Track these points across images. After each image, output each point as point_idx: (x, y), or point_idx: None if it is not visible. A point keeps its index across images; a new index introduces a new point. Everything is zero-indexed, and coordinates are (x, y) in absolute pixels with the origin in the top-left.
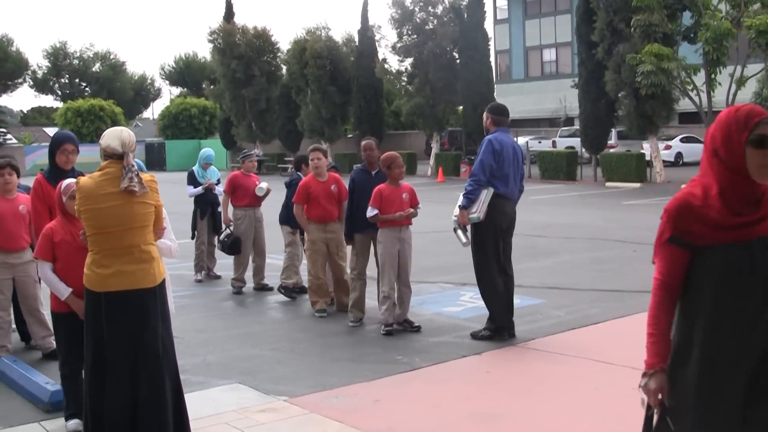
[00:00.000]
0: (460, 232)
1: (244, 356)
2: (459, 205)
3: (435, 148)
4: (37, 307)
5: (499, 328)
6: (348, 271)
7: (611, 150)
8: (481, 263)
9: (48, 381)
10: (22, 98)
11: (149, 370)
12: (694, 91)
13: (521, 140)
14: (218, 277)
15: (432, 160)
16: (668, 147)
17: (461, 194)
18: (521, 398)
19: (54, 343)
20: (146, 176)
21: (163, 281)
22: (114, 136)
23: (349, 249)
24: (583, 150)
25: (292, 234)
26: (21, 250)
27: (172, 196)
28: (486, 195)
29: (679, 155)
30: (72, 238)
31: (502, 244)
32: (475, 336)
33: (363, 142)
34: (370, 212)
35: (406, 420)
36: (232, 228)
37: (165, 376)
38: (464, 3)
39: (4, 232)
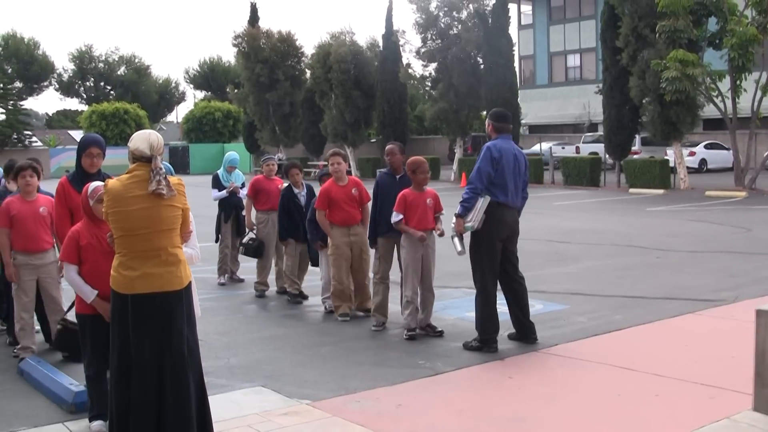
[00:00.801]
0: (456, 240)
1: (267, 359)
2: (455, 213)
3: (458, 153)
4: (60, 308)
5: (486, 340)
6: (371, 275)
7: (635, 156)
8: (476, 272)
9: (72, 382)
10: (48, 101)
11: (174, 372)
12: (719, 98)
13: (545, 146)
14: (241, 281)
15: (455, 165)
16: (692, 153)
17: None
18: (544, 404)
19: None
20: (174, 179)
21: (189, 284)
22: (143, 139)
23: (372, 253)
24: (607, 156)
25: (286, 246)
26: (43, 251)
27: (196, 199)
28: (482, 203)
29: (703, 162)
30: (97, 242)
31: (503, 252)
32: (465, 346)
33: (387, 147)
34: (395, 217)
35: (429, 425)
36: (255, 232)
37: (190, 378)
38: (489, 8)
39: (25, 234)
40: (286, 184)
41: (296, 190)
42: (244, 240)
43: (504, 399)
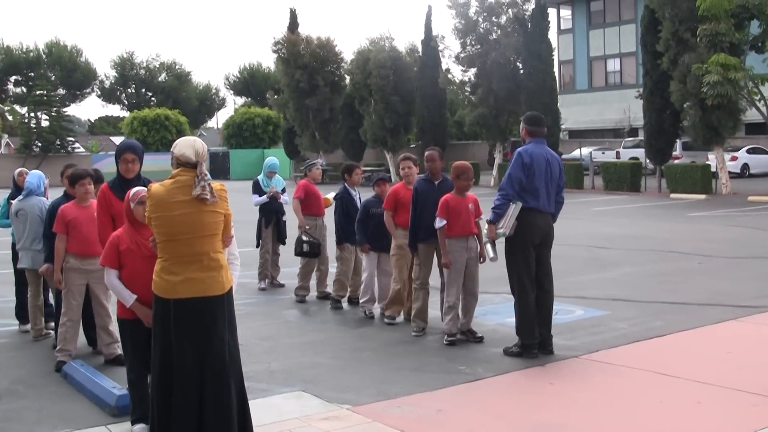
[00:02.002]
0: (489, 246)
1: (308, 364)
2: (486, 220)
3: (498, 158)
4: (107, 313)
5: (526, 346)
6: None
7: (676, 161)
8: (512, 278)
9: (115, 385)
10: (90, 107)
11: (215, 377)
12: (762, 102)
13: (584, 151)
14: (282, 286)
15: (495, 171)
16: (734, 158)
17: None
18: (585, 411)
19: (118, 350)
20: (216, 185)
21: (231, 289)
22: (188, 145)
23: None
24: (648, 161)
25: (342, 250)
26: (96, 256)
27: (236, 204)
28: (514, 209)
29: (745, 166)
30: (137, 247)
31: (536, 258)
32: (506, 352)
33: (426, 153)
34: (439, 223)
35: (469, 430)
36: (309, 231)
37: (231, 383)
38: (528, 13)
39: (80, 238)
40: (340, 187)
41: (353, 192)
42: (304, 238)
43: (544, 405)
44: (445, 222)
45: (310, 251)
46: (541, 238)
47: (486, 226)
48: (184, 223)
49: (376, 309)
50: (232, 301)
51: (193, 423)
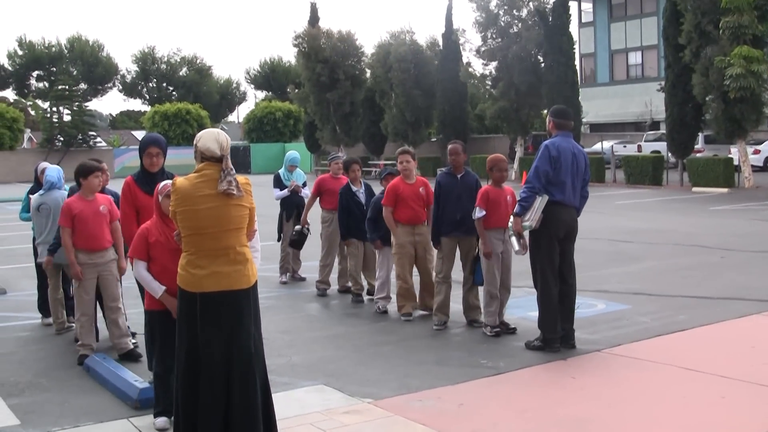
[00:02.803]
0: (513, 239)
1: (329, 358)
2: (513, 212)
3: (519, 152)
4: (118, 306)
5: (548, 340)
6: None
7: (698, 154)
8: (535, 271)
9: (137, 378)
10: (112, 102)
11: (242, 371)
12: None
13: (606, 144)
14: (303, 279)
15: (516, 164)
16: (757, 151)
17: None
18: (607, 405)
19: (129, 344)
20: (241, 179)
21: (256, 282)
22: (212, 138)
23: (434, 253)
24: (670, 154)
25: (348, 245)
26: (104, 250)
27: (257, 198)
28: (540, 202)
29: None
30: (166, 239)
31: (560, 252)
32: (528, 346)
33: (450, 146)
34: (478, 213)
35: (491, 424)
36: (306, 230)
37: (256, 377)
38: (549, 6)
39: (87, 233)
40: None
41: (354, 188)
42: (296, 228)
43: (566, 399)
44: (484, 212)
45: (295, 242)
46: (565, 231)
47: (511, 219)
48: (210, 217)
49: (393, 304)
50: (257, 294)
51: (219, 416)
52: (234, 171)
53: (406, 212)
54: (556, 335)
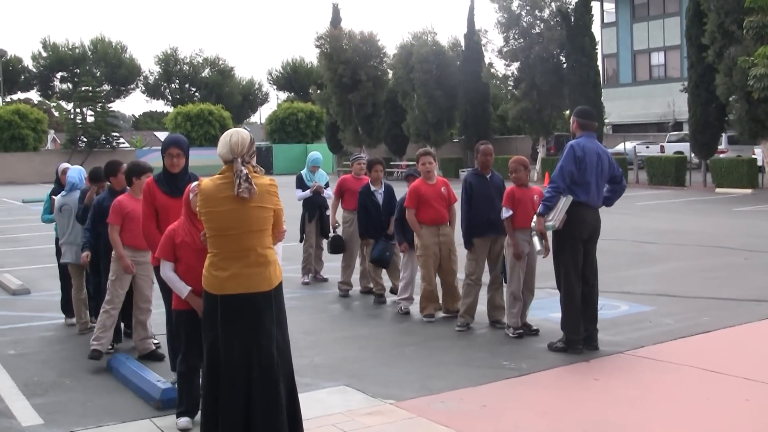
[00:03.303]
0: (536, 239)
1: (351, 359)
2: (536, 212)
3: (541, 152)
4: (149, 308)
5: (571, 341)
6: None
7: (721, 155)
8: (559, 273)
9: (159, 379)
10: (135, 103)
11: (263, 374)
12: None
13: (629, 145)
14: (325, 280)
15: (538, 165)
16: None
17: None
18: (631, 407)
19: (152, 345)
20: (266, 180)
21: (280, 284)
22: (223, 143)
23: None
24: (693, 155)
25: (367, 245)
26: (146, 249)
27: (281, 199)
28: (564, 203)
29: None
30: (192, 240)
31: (583, 252)
32: (550, 347)
33: (482, 146)
34: (505, 213)
35: (514, 426)
36: (335, 231)
37: (279, 380)
38: (571, 6)
39: (136, 231)
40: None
41: (374, 188)
42: (329, 237)
43: (589, 401)
44: (511, 212)
45: (335, 248)
46: (589, 233)
47: (534, 218)
48: (231, 218)
49: (415, 306)
50: (281, 296)
51: (240, 418)
52: (245, 173)
53: (429, 213)
54: (579, 336)
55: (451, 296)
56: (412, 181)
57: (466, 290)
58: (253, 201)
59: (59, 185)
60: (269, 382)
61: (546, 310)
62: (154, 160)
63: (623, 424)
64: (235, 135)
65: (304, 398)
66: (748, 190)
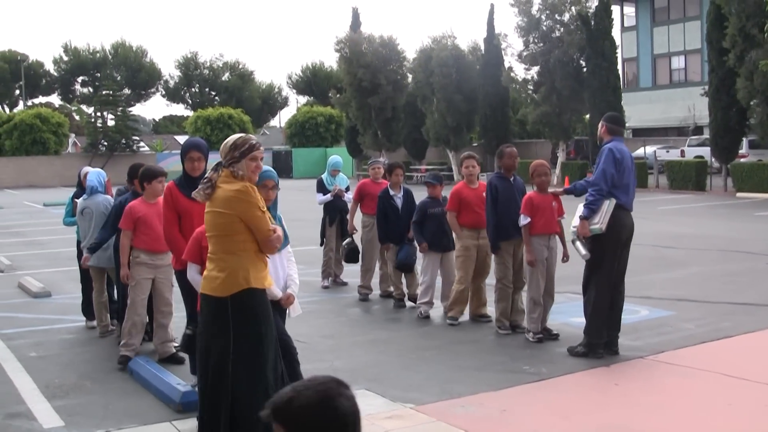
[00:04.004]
0: (579, 243)
1: (371, 362)
2: (580, 216)
3: (561, 156)
4: (170, 311)
5: (593, 345)
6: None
7: (742, 159)
8: (593, 277)
9: (179, 382)
10: (155, 107)
11: (211, 376)
12: None
13: (649, 149)
14: (345, 284)
15: (558, 169)
16: None
17: (581, 204)
18: (651, 412)
19: (173, 348)
20: (235, 186)
21: (243, 296)
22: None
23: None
24: (713, 159)
25: (387, 250)
26: (165, 252)
27: (299, 203)
28: (609, 206)
29: None
30: None
31: (619, 258)
32: (571, 351)
33: (507, 149)
34: (523, 220)
35: (533, 430)
36: (352, 239)
37: (227, 392)
38: (591, 10)
39: (152, 235)
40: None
41: (392, 192)
42: (344, 243)
43: (609, 406)
44: (529, 219)
45: (350, 257)
46: (627, 236)
47: (577, 222)
48: (205, 221)
49: (434, 310)
50: (250, 310)
51: (217, 420)
52: (207, 177)
53: (470, 216)
54: (601, 341)
55: (480, 299)
56: (430, 187)
57: (500, 294)
58: (213, 205)
59: (81, 189)
60: (215, 388)
61: (566, 314)
62: (174, 164)
63: (643, 429)
64: (231, 138)
65: None
66: None
